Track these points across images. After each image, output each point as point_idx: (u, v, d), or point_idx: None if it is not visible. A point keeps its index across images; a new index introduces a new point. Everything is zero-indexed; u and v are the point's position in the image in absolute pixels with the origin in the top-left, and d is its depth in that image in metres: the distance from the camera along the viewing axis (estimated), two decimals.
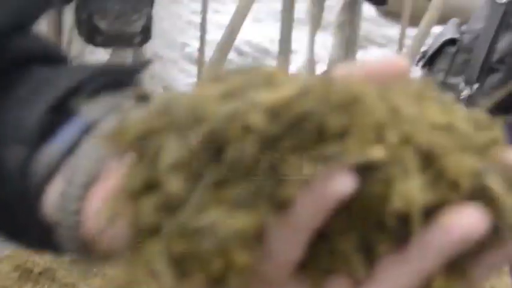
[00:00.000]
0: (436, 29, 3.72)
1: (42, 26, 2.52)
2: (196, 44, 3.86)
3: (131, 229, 0.43)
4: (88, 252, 0.52)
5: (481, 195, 0.41)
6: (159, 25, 5.26)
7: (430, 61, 1.57)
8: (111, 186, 0.45)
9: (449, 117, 0.43)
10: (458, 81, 1.51)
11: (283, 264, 0.42)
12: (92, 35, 2.13)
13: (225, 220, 0.40)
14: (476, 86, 1.48)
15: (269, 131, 0.40)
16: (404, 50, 3.75)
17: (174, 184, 0.41)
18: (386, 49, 4.96)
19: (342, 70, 0.43)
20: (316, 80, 0.42)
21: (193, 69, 4.18)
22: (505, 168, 0.42)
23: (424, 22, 3.60)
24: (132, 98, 0.54)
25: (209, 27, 4.48)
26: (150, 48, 4.63)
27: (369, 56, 5.30)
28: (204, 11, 3.35)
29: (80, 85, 0.54)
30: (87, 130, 0.52)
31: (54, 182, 0.52)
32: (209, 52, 3.46)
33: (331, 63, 4.45)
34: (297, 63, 4.53)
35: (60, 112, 0.54)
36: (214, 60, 3.43)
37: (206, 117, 0.41)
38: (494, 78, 1.47)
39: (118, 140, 0.44)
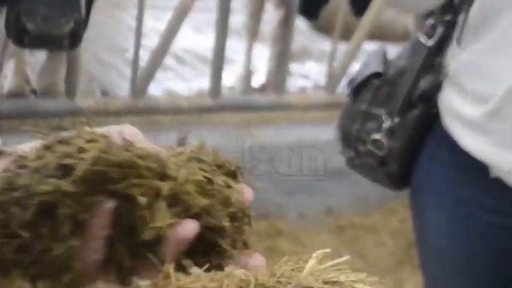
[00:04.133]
0: (367, 45, 3.79)
1: None
2: None
3: None
4: None
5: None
6: (101, 29, 5.24)
7: (356, 91, 1.61)
8: None
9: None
10: (381, 112, 1.56)
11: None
12: (19, 35, 2.11)
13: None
14: (397, 119, 1.54)
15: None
16: (335, 64, 3.79)
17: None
18: (321, 63, 5.02)
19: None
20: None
21: None
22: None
23: (355, 38, 3.66)
24: None
25: (149, 34, 4.48)
26: (90, 51, 4.61)
27: (305, 69, 5.36)
28: (140, 17, 3.34)
29: None
30: None
31: None
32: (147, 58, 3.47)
33: (268, 75, 4.49)
34: (233, 73, 4.56)
35: None
36: (148, 65, 3.43)
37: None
38: (413, 113, 1.53)
39: None
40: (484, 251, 1.47)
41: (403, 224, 3.37)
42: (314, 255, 0.67)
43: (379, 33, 3.76)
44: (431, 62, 1.50)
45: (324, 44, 4.87)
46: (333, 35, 3.74)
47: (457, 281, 1.53)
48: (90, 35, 2.92)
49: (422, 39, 1.52)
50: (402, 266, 3.25)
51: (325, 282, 0.64)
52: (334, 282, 0.64)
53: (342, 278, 0.65)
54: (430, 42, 1.50)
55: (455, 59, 1.45)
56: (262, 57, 4.70)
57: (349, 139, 1.62)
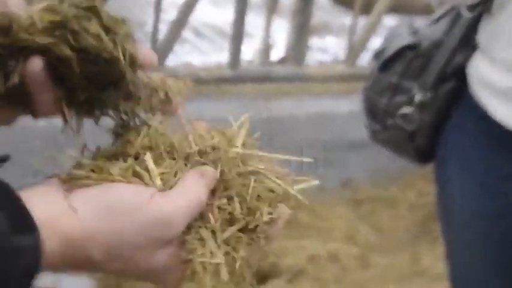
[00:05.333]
0: (387, 19, 3.75)
1: None
2: None
3: None
4: None
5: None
6: (119, 2, 5.23)
7: (386, 64, 1.56)
8: None
9: None
10: (412, 85, 1.52)
11: None
12: None
13: None
14: (430, 93, 1.49)
15: None
16: (356, 37, 3.75)
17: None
18: (340, 37, 4.98)
19: None
20: None
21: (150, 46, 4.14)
22: None
23: (375, 12, 3.61)
24: None
25: (168, 8, 4.46)
26: None
27: (324, 43, 5.31)
28: None
29: None
30: None
31: None
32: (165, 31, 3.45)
33: (287, 49, 4.45)
34: (252, 47, 4.52)
35: None
36: (167, 38, 3.40)
37: None
38: (446, 87, 1.49)
39: None
40: (508, 220, 1.44)
41: (420, 198, 3.34)
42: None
43: (399, 7, 3.72)
44: (470, 36, 1.45)
45: (344, 19, 4.83)
46: (354, 9, 3.70)
47: (479, 249, 1.50)
48: (108, 7, 2.89)
49: (463, 11, 1.46)
50: (419, 240, 3.22)
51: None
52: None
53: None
54: (470, 15, 1.46)
55: (486, 26, 1.41)
56: (282, 31, 4.66)
57: (375, 112, 1.58)
